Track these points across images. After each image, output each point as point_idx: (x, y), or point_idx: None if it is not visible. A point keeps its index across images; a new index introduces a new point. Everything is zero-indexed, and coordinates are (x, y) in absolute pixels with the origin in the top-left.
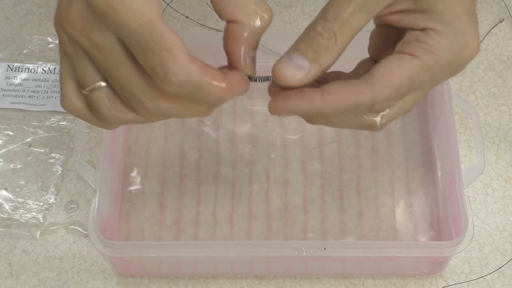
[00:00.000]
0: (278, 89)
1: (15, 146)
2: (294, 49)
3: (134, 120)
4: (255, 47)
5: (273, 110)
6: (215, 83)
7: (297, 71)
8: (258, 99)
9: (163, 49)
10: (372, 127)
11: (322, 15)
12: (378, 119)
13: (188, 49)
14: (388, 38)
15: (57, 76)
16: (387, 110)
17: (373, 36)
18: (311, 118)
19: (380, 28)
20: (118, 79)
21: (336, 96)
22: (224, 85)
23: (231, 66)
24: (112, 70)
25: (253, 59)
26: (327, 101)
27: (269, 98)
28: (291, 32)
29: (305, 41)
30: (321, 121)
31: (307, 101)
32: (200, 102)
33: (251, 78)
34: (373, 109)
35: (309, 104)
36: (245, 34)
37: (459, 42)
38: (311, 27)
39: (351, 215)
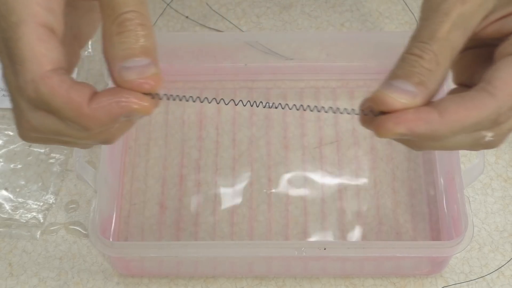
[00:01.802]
0: (371, 118)
1: (15, 146)
2: (394, 75)
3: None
4: (143, 52)
5: (382, 133)
6: (70, 109)
7: (404, 95)
8: (258, 99)
9: (15, 61)
10: (490, 144)
11: (417, 38)
12: (491, 133)
13: (55, 62)
14: (476, 58)
15: None
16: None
17: (457, 62)
18: (420, 143)
19: (465, 51)
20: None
21: (456, 115)
22: (80, 112)
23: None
24: None
25: (142, 68)
26: (446, 121)
27: (269, 98)
28: (291, 32)
29: (403, 67)
30: (431, 145)
31: (423, 122)
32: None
33: (152, 95)
34: (496, 122)
35: (425, 126)
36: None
37: None
38: (407, 52)
39: (351, 215)
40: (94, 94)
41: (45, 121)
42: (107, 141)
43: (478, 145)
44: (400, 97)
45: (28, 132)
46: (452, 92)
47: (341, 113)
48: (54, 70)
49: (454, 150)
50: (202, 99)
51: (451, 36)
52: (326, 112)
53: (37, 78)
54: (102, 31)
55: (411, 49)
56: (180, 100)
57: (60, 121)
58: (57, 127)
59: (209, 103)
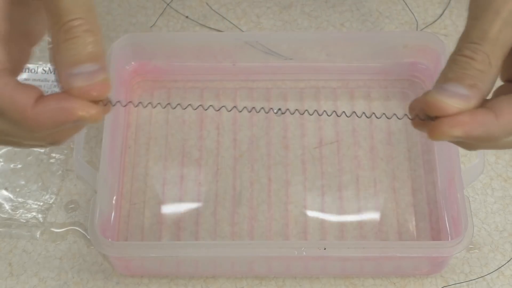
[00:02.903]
0: (422, 121)
1: None
2: (445, 78)
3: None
4: (90, 58)
5: (437, 136)
6: (14, 110)
7: (457, 99)
8: (258, 99)
9: None
10: None
11: (467, 39)
12: None
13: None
14: None
15: None
16: None
17: (505, 59)
18: (474, 144)
19: None
20: None
21: None
22: (22, 109)
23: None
24: None
25: (90, 75)
26: (502, 123)
27: (269, 98)
28: (291, 32)
29: (455, 70)
30: (484, 145)
31: (479, 125)
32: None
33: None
34: None
35: (482, 129)
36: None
37: None
38: (457, 54)
39: (351, 215)
40: (40, 97)
41: None
42: (54, 143)
43: None
44: (454, 102)
45: None
46: (500, 90)
47: (389, 118)
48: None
49: (505, 149)
50: (140, 105)
51: (502, 35)
52: (377, 117)
53: None
54: (51, 38)
55: (461, 50)
56: (136, 106)
57: (5, 122)
58: (3, 127)
59: (163, 108)
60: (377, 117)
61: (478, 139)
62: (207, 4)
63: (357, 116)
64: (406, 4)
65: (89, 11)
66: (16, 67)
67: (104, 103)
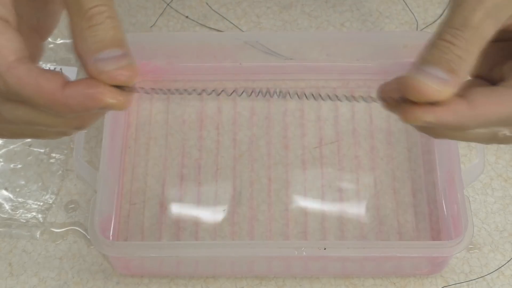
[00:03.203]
0: (397, 103)
1: (15, 146)
2: (425, 61)
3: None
4: (115, 44)
5: (410, 119)
6: (41, 96)
7: (438, 84)
8: (258, 99)
9: None
10: (506, 140)
11: (449, 23)
12: (509, 130)
13: (18, 52)
14: (499, 51)
15: None
16: None
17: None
18: (442, 131)
19: (489, 44)
20: None
21: (485, 108)
22: (53, 99)
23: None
24: None
25: (112, 59)
26: (474, 114)
27: (270, 99)
28: (291, 32)
29: (434, 53)
30: (452, 134)
31: (452, 113)
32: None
33: (122, 88)
34: None
35: (454, 116)
36: (85, 31)
37: None
38: (438, 38)
39: (351, 215)
40: (67, 83)
41: (16, 112)
42: (80, 128)
43: (495, 139)
44: (433, 84)
45: (1, 126)
46: (469, 85)
47: (358, 101)
48: (19, 60)
49: (471, 141)
50: (176, 92)
51: (484, 25)
52: (340, 100)
53: (3, 70)
54: (71, 27)
55: (442, 35)
56: (157, 93)
57: (32, 109)
58: (30, 116)
59: (189, 94)
60: (356, 100)
61: (448, 126)
62: (207, 4)
63: (338, 98)
64: (406, 4)
65: None
66: (32, 60)
67: (128, 90)
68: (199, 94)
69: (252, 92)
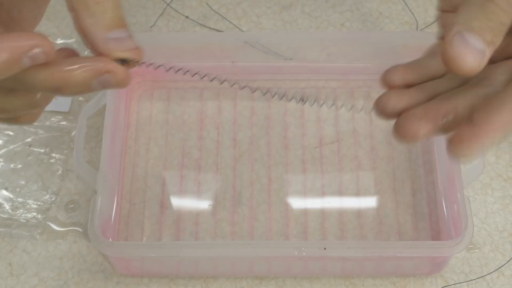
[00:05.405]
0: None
1: (15, 146)
2: (468, 27)
3: None
4: (116, 25)
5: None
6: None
7: (479, 57)
8: (258, 99)
9: None
10: None
11: None
12: None
13: None
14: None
15: None
16: None
17: None
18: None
19: None
20: None
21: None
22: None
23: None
24: None
25: (120, 40)
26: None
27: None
28: (291, 32)
29: (480, 18)
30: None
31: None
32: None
33: (130, 62)
34: None
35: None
36: (95, 11)
37: None
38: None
39: (351, 215)
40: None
41: None
42: (39, 107)
43: None
44: (472, 60)
45: None
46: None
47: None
48: None
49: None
50: (192, 74)
51: None
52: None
53: None
54: (74, 3)
55: None
56: (155, 68)
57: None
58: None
59: (201, 78)
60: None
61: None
62: (207, 4)
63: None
64: (406, 4)
65: None
66: None
67: (130, 64)
68: (202, 78)
69: (267, 91)
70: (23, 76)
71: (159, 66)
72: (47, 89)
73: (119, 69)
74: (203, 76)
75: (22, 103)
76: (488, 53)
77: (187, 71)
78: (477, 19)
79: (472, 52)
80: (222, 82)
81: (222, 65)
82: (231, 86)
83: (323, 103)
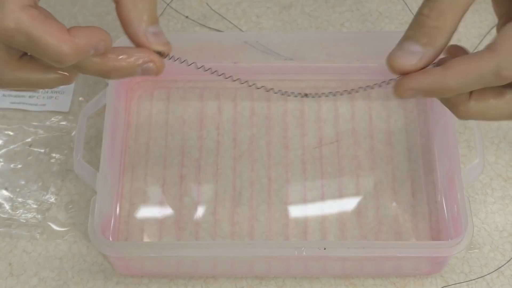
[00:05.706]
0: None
1: (15, 146)
2: (405, 37)
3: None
4: (153, 21)
5: (397, 91)
6: (51, 35)
7: (411, 57)
8: (258, 99)
9: None
10: None
11: None
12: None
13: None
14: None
15: None
16: None
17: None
18: (455, 105)
19: None
20: None
21: (457, 68)
22: (62, 37)
23: (137, 45)
24: None
25: (157, 34)
26: (449, 74)
27: (269, 98)
28: (291, 32)
29: (413, 27)
30: (465, 108)
31: (429, 76)
32: (43, 57)
33: (163, 55)
34: (500, 76)
35: (431, 79)
36: (138, 6)
37: None
38: (419, 12)
39: (351, 215)
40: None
41: (15, 74)
42: (65, 82)
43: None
44: (409, 60)
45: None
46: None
47: (372, 88)
48: (32, 6)
49: (494, 120)
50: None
51: None
52: (357, 91)
53: (17, 9)
54: None
55: (421, 9)
56: (179, 62)
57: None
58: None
59: (226, 78)
60: (365, 89)
61: (432, 91)
62: (207, 4)
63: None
64: (406, 4)
65: None
66: None
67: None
68: (223, 76)
69: (283, 92)
70: (82, 60)
71: (183, 61)
72: (98, 73)
73: (159, 59)
74: (221, 74)
75: (56, 77)
76: (428, 52)
77: (208, 69)
78: (410, 29)
79: (405, 54)
80: (244, 82)
81: (222, 65)
82: (256, 87)
83: (342, 93)
